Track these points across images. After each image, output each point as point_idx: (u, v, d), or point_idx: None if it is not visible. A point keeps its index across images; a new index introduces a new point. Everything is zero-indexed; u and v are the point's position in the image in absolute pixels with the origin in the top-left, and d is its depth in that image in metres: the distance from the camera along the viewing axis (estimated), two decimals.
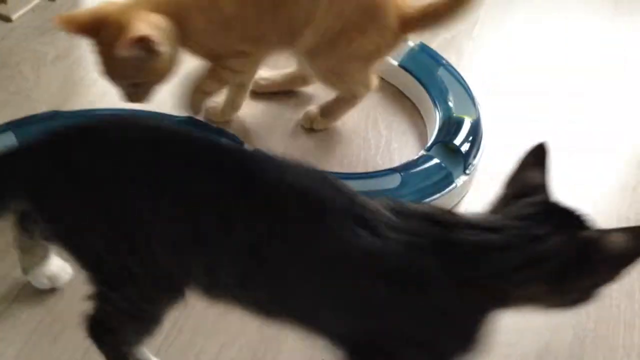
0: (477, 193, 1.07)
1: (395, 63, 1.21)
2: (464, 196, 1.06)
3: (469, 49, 1.37)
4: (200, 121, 1.05)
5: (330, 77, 1.06)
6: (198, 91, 1.05)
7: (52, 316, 0.84)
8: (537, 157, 0.67)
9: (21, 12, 1.28)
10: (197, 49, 1.00)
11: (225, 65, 1.02)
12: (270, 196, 0.62)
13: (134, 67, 0.91)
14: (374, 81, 1.09)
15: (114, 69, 0.93)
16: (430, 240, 0.61)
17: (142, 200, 0.63)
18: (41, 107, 1.07)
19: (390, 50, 1.06)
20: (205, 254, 0.64)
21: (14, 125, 0.96)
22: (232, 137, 1.01)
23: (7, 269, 0.87)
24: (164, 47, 0.90)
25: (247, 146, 1.01)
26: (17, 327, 0.83)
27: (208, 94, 1.06)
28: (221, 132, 1.02)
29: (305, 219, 0.62)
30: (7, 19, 1.26)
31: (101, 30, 0.90)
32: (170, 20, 0.93)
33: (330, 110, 1.13)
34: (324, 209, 0.62)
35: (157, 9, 0.92)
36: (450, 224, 0.62)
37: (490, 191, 1.03)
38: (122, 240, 0.65)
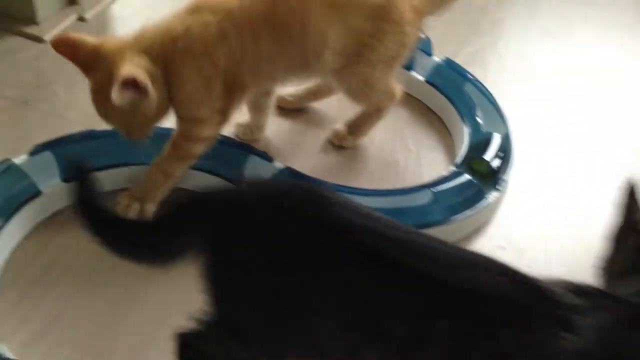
0: (509, 208, 1.07)
1: (422, 78, 1.22)
2: (495, 211, 1.06)
3: (493, 62, 1.38)
4: (229, 138, 1.05)
5: (358, 91, 1.05)
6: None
7: None
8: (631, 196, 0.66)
9: (53, 32, 1.30)
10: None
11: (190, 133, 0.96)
12: (462, 297, 0.60)
13: (126, 110, 0.87)
14: (398, 90, 1.08)
15: (106, 110, 0.89)
16: (618, 319, 0.60)
17: (321, 286, 0.62)
18: (76, 127, 1.09)
19: (412, 44, 1.03)
20: (386, 350, 0.62)
21: (51, 146, 0.98)
22: (263, 155, 1.02)
23: None
24: (152, 90, 0.86)
25: (276, 163, 1.02)
26: None
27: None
28: (251, 150, 1.03)
29: (514, 323, 0.59)
30: (39, 40, 1.28)
31: (95, 66, 0.87)
32: (157, 64, 0.89)
33: (358, 127, 1.14)
34: (529, 313, 0.60)
35: (147, 51, 0.88)
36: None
37: (523, 205, 1.04)
38: (283, 314, 0.64)
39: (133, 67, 0.84)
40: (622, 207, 0.67)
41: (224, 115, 0.96)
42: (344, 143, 1.14)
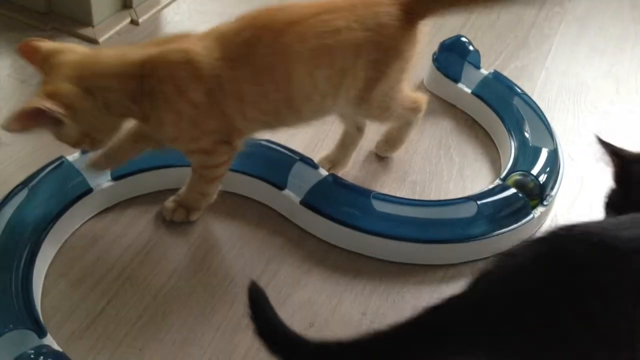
0: (555, 223, 1.05)
1: (469, 91, 1.21)
2: (540, 227, 1.04)
3: (541, 77, 1.36)
4: (277, 144, 1.06)
5: (378, 116, 1.03)
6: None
7: None
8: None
9: (107, 35, 1.34)
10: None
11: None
12: None
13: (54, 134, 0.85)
14: (421, 99, 1.05)
15: None
16: None
17: None
18: (126, 126, 1.12)
19: (413, 54, 0.96)
20: None
21: None
22: (308, 161, 1.03)
23: None
24: (68, 119, 0.82)
25: (321, 170, 1.02)
26: None
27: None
28: (297, 155, 1.03)
29: None
30: (94, 42, 1.32)
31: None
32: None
33: (393, 139, 1.12)
34: None
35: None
36: None
37: (570, 221, 1.01)
38: None
39: (42, 98, 0.81)
40: (607, 153, 0.73)
41: (230, 145, 0.93)
42: (383, 153, 1.14)
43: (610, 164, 0.78)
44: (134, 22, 1.39)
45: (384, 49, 0.92)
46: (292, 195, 0.99)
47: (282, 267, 0.96)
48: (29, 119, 0.81)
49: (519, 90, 1.19)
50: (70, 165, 0.96)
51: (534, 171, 1.03)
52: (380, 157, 1.15)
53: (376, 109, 0.99)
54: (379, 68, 0.93)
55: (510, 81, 1.22)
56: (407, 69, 0.97)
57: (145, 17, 1.40)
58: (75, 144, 0.88)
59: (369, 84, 0.94)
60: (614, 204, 0.77)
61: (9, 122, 0.80)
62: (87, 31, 1.33)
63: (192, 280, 0.92)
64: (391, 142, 1.13)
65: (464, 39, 1.25)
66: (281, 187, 1.00)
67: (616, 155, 0.77)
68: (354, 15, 0.90)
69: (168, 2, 1.46)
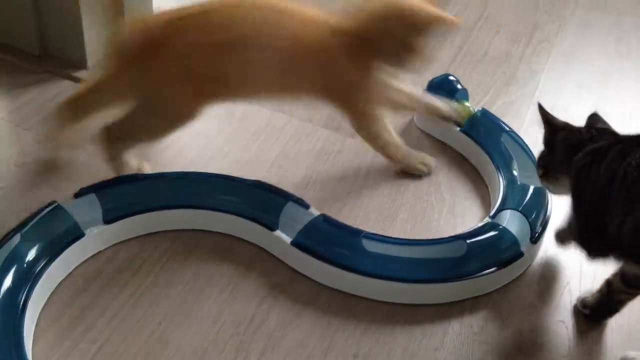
0: (542, 261, 1.06)
1: (457, 128, 1.23)
2: (529, 265, 1.05)
3: (529, 113, 1.38)
4: (268, 185, 1.07)
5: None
6: None
7: None
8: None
9: None
10: None
11: None
12: None
13: None
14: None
15: None
16: None
17: None
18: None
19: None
20: None
21: (96, 188, 1.01)
22: (299, 201, 1.03)
23: None
24: None
25: (312, 210, 1.03)
26: None
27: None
28: (287, 196, 1.04)
29: None
30: None
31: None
32: None
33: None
34: None
35: None
36: None
37: (558, 258, 1.02)
38: None
39: None
40: (542, 120, 0.96)
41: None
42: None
43: (543, 128, 0.96)
44: None
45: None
46: (283, 236, 1.00)
47: (273, 309, 0.96)
48: None
49: (507, 128, 1.21)
50: (62, 209, 0.97)
51: (523, 209, 1.04)
52: (373, 191, 1.16)
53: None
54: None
55: (498, 118, 1.23)
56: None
57: None
58: None
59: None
60: (544, 164, 0.97)
61: None
62: (81, 73, 1.35)
63: (184, 323, 0.92)
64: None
65: (451, 77, 1.27)
66: (272, 228, 1.01)
67: (548, 122, 0.96)
68: None
69: None
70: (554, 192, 1.00)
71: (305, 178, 1.18)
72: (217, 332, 0.92)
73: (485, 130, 1.21)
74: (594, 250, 0.88)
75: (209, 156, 1.21)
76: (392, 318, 0.96)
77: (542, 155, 0.98)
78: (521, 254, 1.00)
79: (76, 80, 1.34)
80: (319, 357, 0.90)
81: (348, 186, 1.18)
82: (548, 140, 0.96)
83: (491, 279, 0.99)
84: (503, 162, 1.15)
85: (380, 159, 1.22)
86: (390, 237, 1.01)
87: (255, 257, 1.03)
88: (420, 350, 0.92)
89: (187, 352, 0.89)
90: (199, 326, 0.92)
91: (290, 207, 1.02)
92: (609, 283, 0.93)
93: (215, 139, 1.25)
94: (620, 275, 0.90)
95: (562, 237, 1.04)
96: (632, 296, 0.92)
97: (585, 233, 0.88)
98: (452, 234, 1.05)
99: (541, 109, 0.97)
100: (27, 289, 0.87)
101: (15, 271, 0.88)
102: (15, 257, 0.89)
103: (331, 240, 0.99)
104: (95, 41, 1.35)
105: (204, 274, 1.00)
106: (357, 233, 1.00)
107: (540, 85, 1.48)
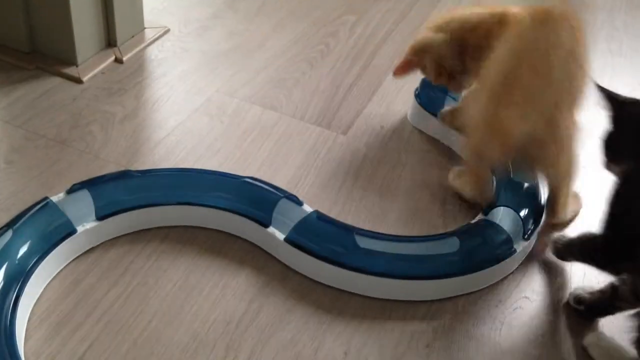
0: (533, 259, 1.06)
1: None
2: (521, 263, 1.05)
3: None
4: (262, 181, 1.07)
5: None
6: None
7: None
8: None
9: (91, 74, 1.35)
10: None
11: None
12: None
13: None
14: None
15: None
16: None
17: None
18: (110, 167, 1.12)
19: None
20: None
21: (88, 184, 1.00)
22: (293, 198, 1.03)
23: None
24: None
25: (305, 207, 1.03)
26: None
27: None
28: (281, 192, 1.04)
29: None
30: (78, 81, 1.33)
31: None
32: None
33: None
34: None
35: None
36: None
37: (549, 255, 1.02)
38: None
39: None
40: (604, 97, 0.86)
41: None
42: None
43: (608, 107, 0.87)
44: (118, 61, 1.40)
45: None
46: (276, 233, 1.00)
47: (265, 305, 0.95)
48: (404, 68, 1.16)
49: None
50: (54, 206, 0.96)
51: (515, 205, 1.04)
52: (365, 189, 1.16)
53: None
54: None
55: None
56: None
57: (129, 55, 1.42)
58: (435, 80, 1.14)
59: None
60: (611, 145, 0.87)
61: (395, 70, 1.17)
62: (71, 70, 1.34)
63: (174, 322, 0.92)
64: None
65: None
66: (266, 225, 1.00)
67: (610, 98, 0.87)
68: None
69: (152, 40, 1.48)
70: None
71: (296, 176, 1.17)
72: (207, 331, 0.91)
73: None
74: (611, 268, 0.85)
75: (200, 154, 1.20)
76: (384, 314, 0.96)
77: (608, 136, 0.87)
78: (514, 251, 1.00)
79: (66, 77, 1.33)
80: (309, 355, 0.90)
81: (339, 183, 1.17)
82: (615, 117, 0.86)
83: (484, 275, 0.99)
84: None
85: (371, 157, 1.22)
86: (384, 234, 1.01)
87: (247, 254, 1.02)
88: (412, 347, 0.92)
89: (177, 350, 0.88)
90: (189, 324, 0.92)
91: (283, 204, 1.02)
92: (614, 289, 0.90)
93: (206, 136, 1.25)
94: (632, 288, 0.86)
95: (564, 252, 0.99)
96: (634, 308, 0.88)
97: (614, 250, 0.83)
98: (444, 231, 1.05)
99: (600, 87, 0.88)
100: (18, 286, 0.86)
101: (7, 268, 0.87)
102: (7, 253, 0.89)
103: (325, 236, 0.99)
104: (84, 38, 1.34)
105: (194, 271, 0.99)
106: (350, 230, 1.00)
107: None
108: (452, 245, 0.98)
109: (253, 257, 1.02)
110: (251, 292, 0.97)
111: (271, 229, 1.00)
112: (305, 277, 1.00)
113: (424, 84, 1.26)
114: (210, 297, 0.96)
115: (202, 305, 0.94)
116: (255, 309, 0.95)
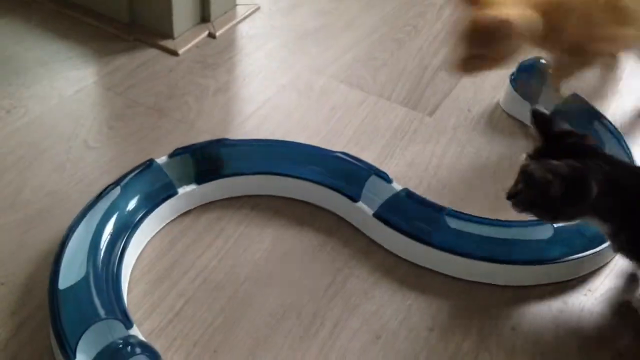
0: None
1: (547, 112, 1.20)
2: (612, 257, 1.02)
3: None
4: (353, 156, 1.08)
5: None
6: None
7: None
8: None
9: (186, 47, 1.40)
10: None
11: None
12: None
13: None
14: None
15: None
16: None
17: None
18: (204, 136, 1.16)
19: None
20: None
21: (190, 150, 1.04)
22: (383, 175, 1.04)
23: None
24: None
25: (395, 184, 1.04)
26: None
27: None
28: (372, 169, 1.04)
29: None
30: (174, 53, 1.38)
31: None
32: None
33: None
34: None
35: None
36: None
37: None
38: None
39: None
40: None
41: None
42: None
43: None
44: (211, 35, 1.44)
45: None
46: (365, 208, 1.01)
47: (350, 277, 0.97)
48: None
49: (599, 114, 1.17)
50: (158, 167, 1.00)
51: None
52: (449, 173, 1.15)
53: None
54: None
55: (589, 104, 1.20)
56: None
57: (222, 30, 1.46)
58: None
59: None
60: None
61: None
62: (168, 43, 1.39)
63: (264, 287, 0.95)
64: None
65: (542, 61, 1.24)
66: (355, 199, 1.02)
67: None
68: None
69: (244, 17, 1.51)
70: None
71: (382, 154, 1.18)
72: (294, 298, 0.94)
73: (576, 115, 1.17)
74: None
75: (288, 128, 1.23)
76: (469, 296, 0.96)
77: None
78: (608, 245, 0.98)
79: (163, 49, 1.38)
80: (394, 328, 0.91)
81: (424, 164, 1.17)
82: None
83: (576, 264, 0.97)
84: None
85: (457, 139, 1.22)
86: (474, 216, 1.00)
87: (334, 226, 1.04)
88: (497, 328, 0.92)
89: (266, 313, 0.91)
90: (278, 290, 0.94)
91: (373, 180, 1.03)
92: None
93: (294, 112, 1.27)
94: None
95: None
96: None
97: None
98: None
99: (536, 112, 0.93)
100: (126, 237, 0.91)
101: (117, 219, 0.92)
102: (117, 206, 0.94)
103: (413, 214, 0.99)
104: (181, 12, 1.39)
105: (283, 240, 1.02)
106: (440, 209, 1.00)
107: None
108: (545, 231, 0.96)
109: (339, 230, 1.04)
110: (337, 263, 0.99)
111: (360, 204, 1.01)
112: (390, 253, 1.01)
113: (520, 68, 1.24)
114: (298, 266, 0.98)
115: (290, 273, 0.97)
116: (341, 280, 0.97)
